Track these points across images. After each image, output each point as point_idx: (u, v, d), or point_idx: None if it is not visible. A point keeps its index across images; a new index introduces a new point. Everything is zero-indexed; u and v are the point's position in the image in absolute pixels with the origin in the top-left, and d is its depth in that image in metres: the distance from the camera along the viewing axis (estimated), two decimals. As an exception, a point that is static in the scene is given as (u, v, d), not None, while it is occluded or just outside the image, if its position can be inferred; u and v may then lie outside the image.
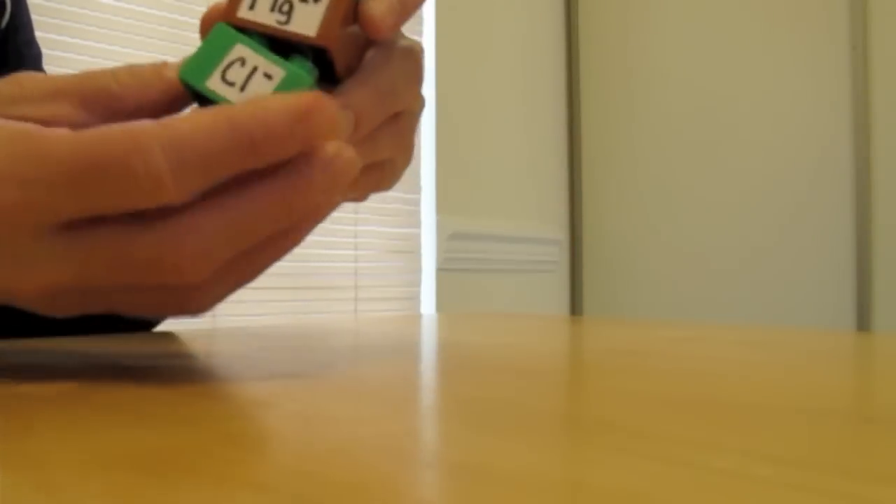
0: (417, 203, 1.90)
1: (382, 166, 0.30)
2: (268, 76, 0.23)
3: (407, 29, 0.29)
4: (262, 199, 0.22)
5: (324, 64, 0.25)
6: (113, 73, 0.25)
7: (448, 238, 1.91)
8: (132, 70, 0.25)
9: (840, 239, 1.78)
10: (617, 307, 2.17)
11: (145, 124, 0.21)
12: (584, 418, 0.18)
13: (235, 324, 1.54)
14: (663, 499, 0.12)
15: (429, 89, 1.93)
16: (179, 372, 0.26)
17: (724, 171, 1.95)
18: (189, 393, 0.21)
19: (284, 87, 0.23)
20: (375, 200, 1.79)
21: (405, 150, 0.31)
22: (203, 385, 0.23)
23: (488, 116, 2.05)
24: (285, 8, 0.23)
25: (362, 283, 1.78)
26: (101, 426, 0.17)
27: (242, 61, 0.23)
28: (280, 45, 0.24)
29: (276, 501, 0.12)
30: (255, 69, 0.23)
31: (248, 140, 0.21)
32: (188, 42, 1.54)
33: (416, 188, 1.90)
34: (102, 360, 0.29)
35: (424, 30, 1.91)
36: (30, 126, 0.22)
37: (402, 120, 0.30)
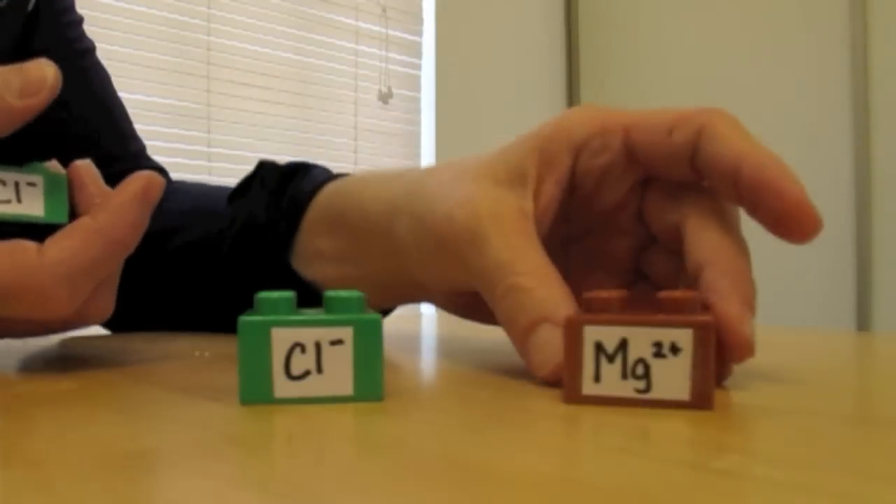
0: (417, 203, 1.90)
1: None
2: (31, 184, 0.25)
3: (407, 29, 0.29)
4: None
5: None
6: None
7: (448, 238, 1.91)
8: None
9: (840, 239, 1.78)
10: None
11: (30, 257, 0.23)
12: (585, 418, 0.18)
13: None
14: (663, 499, 0.12)
15: (429, 89, 1.93)
16: (180, 372, 0.26)
17: (724, 171, 1.95)
18: (189, 393, 0.21)
19: (50, 186, 0.25)
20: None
21: None
22: (203, 385, 0.23)
23: (488, 116, 2.05)
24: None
25: (362, 283, 1.77)
26: (102, 426, 0.17)
27: (3, 182, 0.24)
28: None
29: (276, 501, 0.12)
30: (17, 183, 0.25)
31: (122, 245, 0.24)
32: (188, 42, 1.54)
33: (416, 188, 1.90)
34: (102, 360, 0.29)
35: (424, 30, 1.91)
36: None
37: None
